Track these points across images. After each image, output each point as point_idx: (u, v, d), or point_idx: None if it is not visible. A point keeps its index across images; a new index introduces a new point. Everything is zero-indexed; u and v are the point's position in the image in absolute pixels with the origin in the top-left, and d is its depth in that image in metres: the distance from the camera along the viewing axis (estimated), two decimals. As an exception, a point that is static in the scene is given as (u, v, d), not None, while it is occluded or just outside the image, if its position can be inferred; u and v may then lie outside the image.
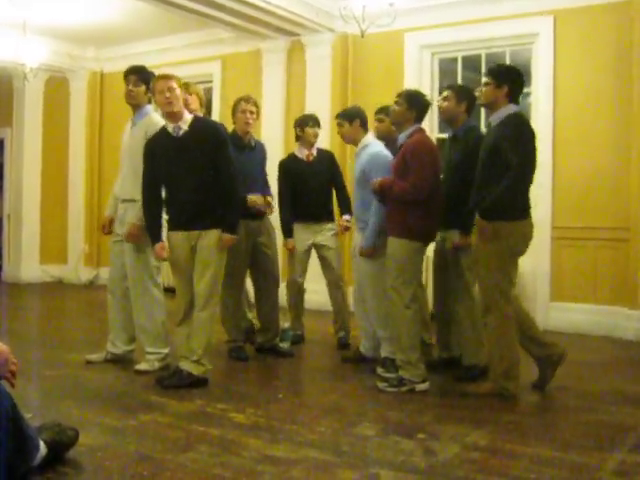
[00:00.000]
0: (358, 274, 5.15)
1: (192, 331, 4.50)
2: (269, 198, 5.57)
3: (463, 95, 4.93)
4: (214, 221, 4.49)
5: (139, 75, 5.04)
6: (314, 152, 5.95)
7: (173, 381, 4.44)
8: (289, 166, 5.96)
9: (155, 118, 5.04)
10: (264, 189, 5.58)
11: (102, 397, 4.29)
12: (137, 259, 4.94)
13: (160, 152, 4.54)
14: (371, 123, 5.34)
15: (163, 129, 4.60)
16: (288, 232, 5.90)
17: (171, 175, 4.50)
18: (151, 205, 4.59)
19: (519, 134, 4.25)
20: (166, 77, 4.49)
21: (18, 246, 10.63)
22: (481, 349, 4.82)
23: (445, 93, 5.01)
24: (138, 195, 4.87)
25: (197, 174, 4.45)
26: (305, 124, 5.89)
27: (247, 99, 5.56)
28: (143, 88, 5.00)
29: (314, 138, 5.91)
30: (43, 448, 2.92)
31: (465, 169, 4.69)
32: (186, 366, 4.46)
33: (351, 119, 5.15)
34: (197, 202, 4.46)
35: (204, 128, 4.57)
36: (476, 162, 4.53)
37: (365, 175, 4.86)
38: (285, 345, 5.62)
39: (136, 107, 5.06)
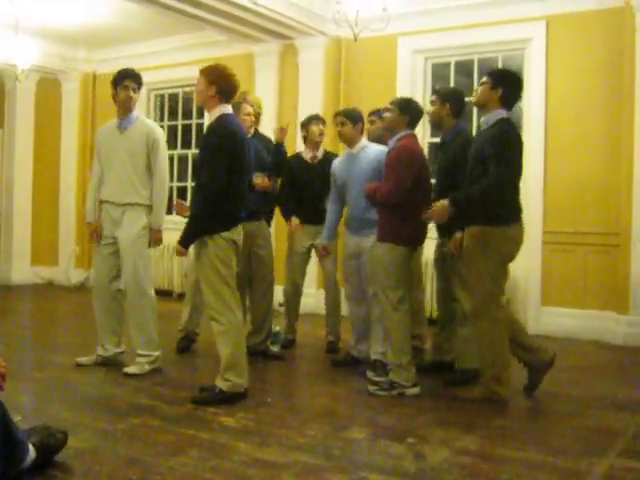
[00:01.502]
0: (355, 275, 5.16)
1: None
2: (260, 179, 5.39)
3: (446, 97, 4.97)
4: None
5: (137, 81, 5.06)
6: (319, 154, 5.91)
7: (204, 397, 4.19)
8: (292, 165, 5.91)
9: (150, 123, 5.14)
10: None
11: (92, 400, 4.28)
12: (140, 260, 4.93)
13: None
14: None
15: None
16: (289, 212, 5.92)
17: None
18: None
19: (503, 142, 4.23)
20: (199, 71, 4.28)
21: (9, 247, 10.58)
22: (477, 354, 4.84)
23: (432, 97, 5.11)
24: (140, 199, 4.92)
25: (198, 178, 4.27)
26: (308, 122, 5.89)
27: (249, 100, 5.55)
28: (138, 94, 5.06)
29: (319, 137, 5.87)
30: (32, 451, 2.91)
31: (453, 174, 4.74)
32: (217, 382, 4.22)
33: (355, 121, 5.18)
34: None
35: (211, 129, 4.22)
36: (463, 166, 4.57)
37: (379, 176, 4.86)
38: (275, 348, 5.62)
39: (128, 112, 5.05)
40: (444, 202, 4.24)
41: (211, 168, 4.12)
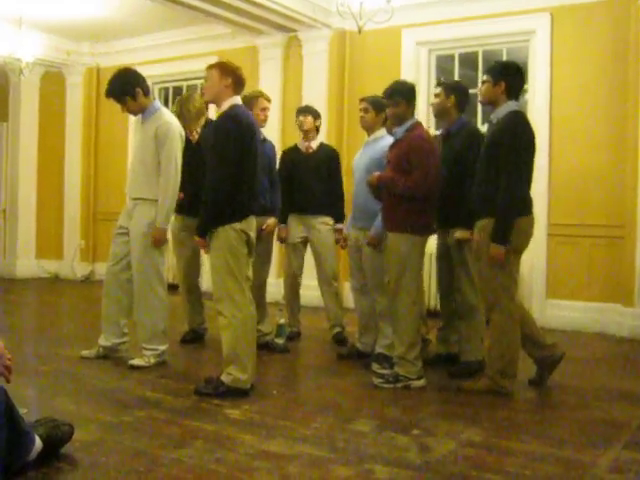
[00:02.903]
0: (360, 269, 5.15)
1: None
2: (270, 221, 5.59)
3: (451, 89, 4.97)
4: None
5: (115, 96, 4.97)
6: (313, 145, 5.99)
7: (207, 389, 4.18)
8: (287, 156, 6.05)
9: (165, 115, 4.97)
10: (270, 192, 5.58)
11: (97, 392, 4.29)
12: (145, 256, 4.89)
13: None
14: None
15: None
16: (281, 219, 5.91)
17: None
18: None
19: (514, 136, 4.21)
20: (207, 67, 4.30)
21: (14, 241, 10.62)
22: (481, 346, 4.85)
23: (436, 90, 5.08)
24: (150, 194, 4.85)
25: (207, 170, 4.24)
26: (296, 114, 6.02)
27: (266, 95, 5.58)
28: (128, 99, 4.93)
29: (304, 126, 5.96)
30: (38, 443, 2.92)
31: (461, 164, 4.71)
32: (222, 375, 4.20)
33: (379, 110, 5.11)
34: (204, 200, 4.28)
35: (223, 117, 4.22)
36: (471, 157, 4.56)
37: (383, 167, 4.81)
38: (280, 341, 5.62)
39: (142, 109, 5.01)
40: (493, 247, 4.19)
41: (221, 156, 4.12)
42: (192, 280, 5.87)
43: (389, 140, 4.93)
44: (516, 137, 4.21)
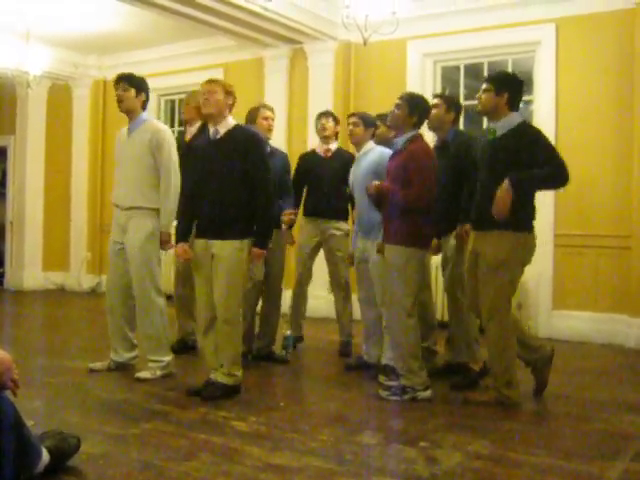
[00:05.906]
0: (367, 279, 5.15)
1: (219, 343, 4.43)
2: (288, 213, 5.62)
3: (452, 104, 5.06)
4: (234, 233, 4.35)
5: (127, 80, 5.04)
6: (332, 148, 5.99)
7: (208, 392, 4.35)
8: (305, 159, 6.08)
9: (157, 124, 5.10)
10: (283, 199, 5.60)
11: (104, 405, 4.30)
12: (144, 269, 4.91)
13: (198, 152, 4.59)
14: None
15: (206, 129, 4.66)
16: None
17: (201, 178, 4.44)
18: (189, 204, 4.57)
19: (543, 137, 4.30)
20: (210, 81, 4.50)
21: (21, 253, 10.65)
22: (469, 348, 4.95)
23: (435, 101, 5.07)
24: (146, 203, 4.92)
25: (222, 182, 4.35)
26: (318, 119, 6.02)
27: (267, 106, 5.67)
28: (132, 92, 4.99)
29: (323, 131, 5.96)
30: (45, 455, 2.92)
31: (458, 173, 4.78)
32: (219, 378, 4.42)
33: (368, 125, 5.23)
34: (219, 212, 4.36)
35: (240, 136, 4.44)
36: (466, 165, 4.61)
37: (379, 176, 4.80)
38: (286, 351, 5.62)
39: (131, 114, 5.05)
40: (505, 186, 4.11)
41: (265, 174, 4.44)
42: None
43: (379, 150, 5.06)
44: (545, 140, 4.30)
